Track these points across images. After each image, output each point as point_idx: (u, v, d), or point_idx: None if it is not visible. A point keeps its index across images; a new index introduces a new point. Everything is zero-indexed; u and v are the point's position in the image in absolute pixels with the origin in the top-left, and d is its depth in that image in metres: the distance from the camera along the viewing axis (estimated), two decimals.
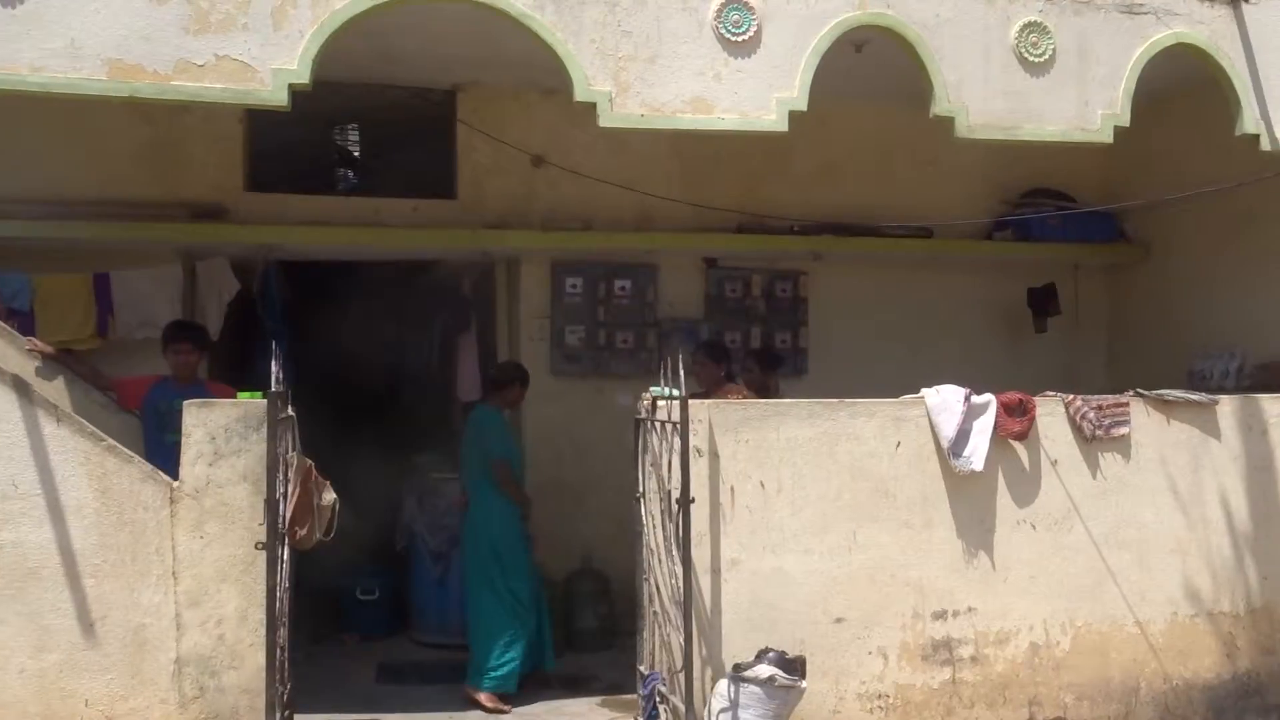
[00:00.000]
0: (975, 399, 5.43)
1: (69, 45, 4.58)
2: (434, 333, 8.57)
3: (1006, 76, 5.70)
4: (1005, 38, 5.69)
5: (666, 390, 5.11)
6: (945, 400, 5.40)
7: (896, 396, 5.51)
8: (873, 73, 6.11)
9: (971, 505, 5.41)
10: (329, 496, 4.83)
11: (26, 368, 5.02)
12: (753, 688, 4.73)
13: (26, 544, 4.54)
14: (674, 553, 5.00)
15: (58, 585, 4.56)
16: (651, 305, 7.65)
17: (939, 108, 5.61)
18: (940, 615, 5.34)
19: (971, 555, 5.39)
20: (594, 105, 5.18)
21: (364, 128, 7.63)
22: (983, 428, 5.40)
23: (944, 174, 7.88)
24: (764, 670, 4.75)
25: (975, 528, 5.41)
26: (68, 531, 4.58)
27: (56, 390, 5.16)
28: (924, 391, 5.48)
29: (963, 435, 5.37)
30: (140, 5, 4.64)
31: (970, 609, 5.38)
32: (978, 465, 5.35)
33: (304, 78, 4.82)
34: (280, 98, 4.82)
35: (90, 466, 4.60)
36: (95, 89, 4.65)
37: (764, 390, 6.47)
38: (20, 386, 4.60)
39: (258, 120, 6.88)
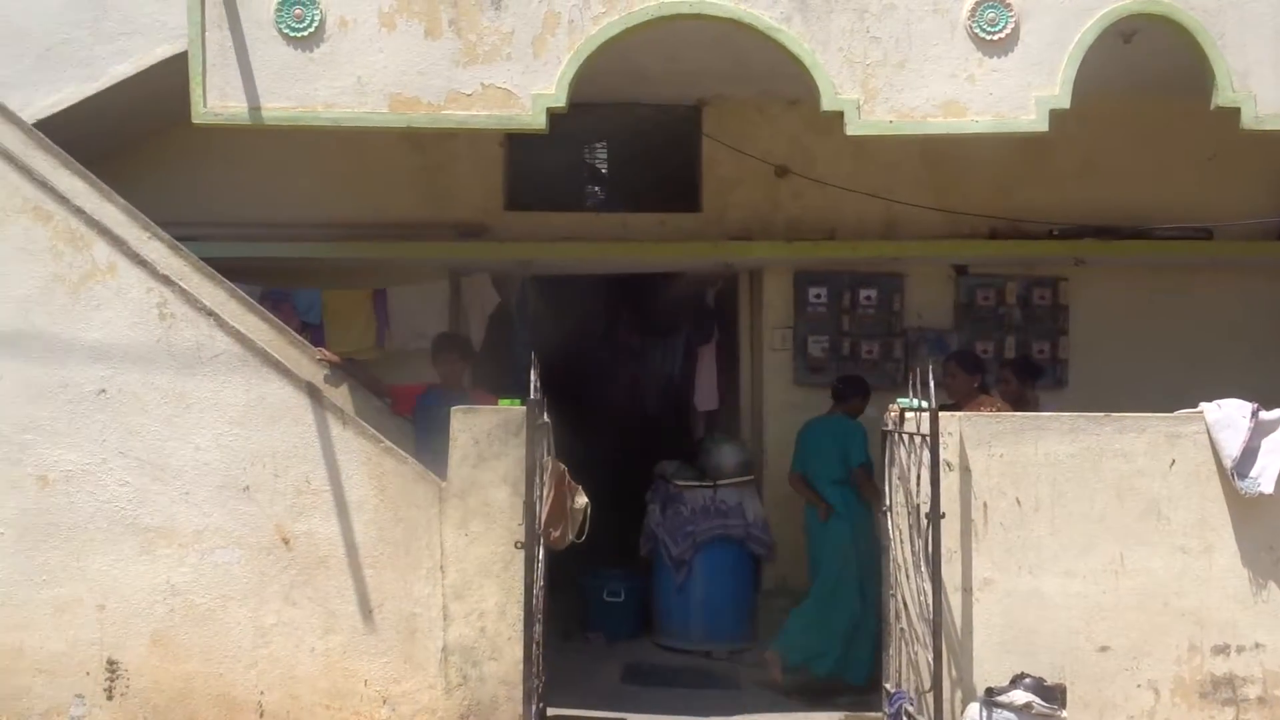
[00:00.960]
0: (1264, 415, 4.97)
1: (356, 83, 5.04)
2: (677, 343, 8.75)
3: None
4: None
5: (915, 402, 4.99)
6: (1228, 415, 4.98)
7: (1170, 411, 5.12)
8: (1142, 62, 5.72)
9: (1259, 531, 4.96)
10: (581, 500, 5.04)
11: (316, 375, 5.53)
12: (1007, 714, 4.54)
13: (317, 535, 5.01)
14: (922, 569, 4.87)
15: (342, 574, 5.02)
16: (898, 314, 7.48)
17: (1222, 98, 5.18)
18: (1221, 650, 4.92)
19: (1259, 586, 4.94)
20: (841, 114, 5.14)
21: (612, 145, 7.90)
22: (1273, 446, 4.95)
23: (1225, 169, 7.25)
24: (1020, 696, 4.54)
25: (1263, 556, 4.95)
26: (351, 525, 5.02)
27: (341, 396, 5.66)
28: (1203, 406, 5.07)
29: (1249, 454, 4.94)
30: (417, 43, 5.04)
31: (1257, 645, 4.93)
32: (1267, 487, 4.90)
33: (561, 101, 5.07)
34: (539, 121, 5.09)
35: (370, 466, 5.02)
36: (378, 121, 5.09)
37: (1021, 402, 6.18)
38: (313, 392, 5.09)
39: (516, 143, 7.28)
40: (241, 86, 5.06)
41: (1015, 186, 7.31)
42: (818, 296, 7.44)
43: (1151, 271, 7.39)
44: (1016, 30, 5.13)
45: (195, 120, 5.09)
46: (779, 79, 5.72)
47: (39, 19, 6.11)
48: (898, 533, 5.18)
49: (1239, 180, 7.28)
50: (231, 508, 5.01)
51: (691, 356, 8.22)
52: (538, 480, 4.77)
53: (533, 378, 4.78)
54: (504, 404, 5.11)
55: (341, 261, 7.09)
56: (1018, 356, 7.29)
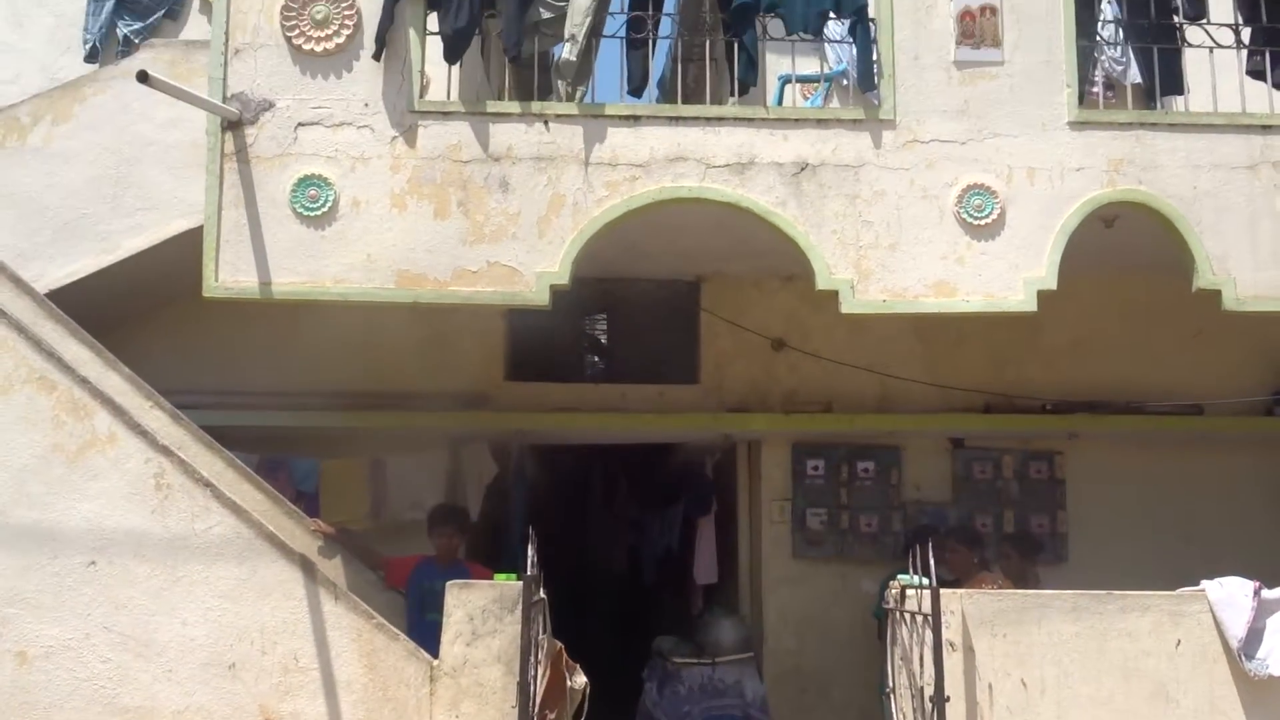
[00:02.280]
0: (1266, 593, 4.91)
1: (366, 259, 5.20)
2: (675, 514, 8.69)
3: (1277, 245, 5.39)
4: (1273, 206, 5.42)
5: (916, 579, 4.93)
6: (1230, 594, 4.91)
7: (1170, 587, 5.07)
8: (1125, 244, 5.93)
9: (1272, 715, 4.81)
10: (580, 680, 4.91)
11: (310, 547, 5.47)
12: None
13: (303, 715, 4.85)
14: None
15: None
16: (896, 487, 7.45)
17: (1203, 281, 5.36)
18: None
19: None
20: (836, 293, 5.28)
21: (612, 318, 8.06)
22: (1279, 626, 4.86)
23: (1212, 346, 7.38)
24: None
25: None
26: (339, 705, 4.86)
27: (334, 568, 5.58)
28: (1205, 584, 5.02)
29: (1254, 634, 4.85)
30: (426, 223, 5.23)
31: None
32: (1276, 669, 4.79)
33: (564, 279, 5.22)
34: (543, 298, 5.22)
35: (361, 643, 4.90)
36: (385, 296, 5.22)
37: (1023, 579, 6.11)
38: (306, 566, 5.02)
39: (518, 314, 7.39)
40: (253, 262, 5.21)
41: (1008, 362, 7.42)
42: (815, 469, 7.44)
43: (1145, 446, 7.41)
44: (1003, 216, 5.34)
45: (206, 294, 5.22)
46: (775, 256, 5.89)
47: (61, 194, 6.32)
48: (901, 715, 5.02)
49: (1227, 357, 7.41)
50: (215, 686, 4.86)
51: (690, 528, 8.15)
52: (533, 659, 4.65)
53: (529, 552, 4.73)
54: (500, 579, 5.03)
55: (339, 430, 7.10)
56: (1017, 531, 7.24)
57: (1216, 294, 5.36)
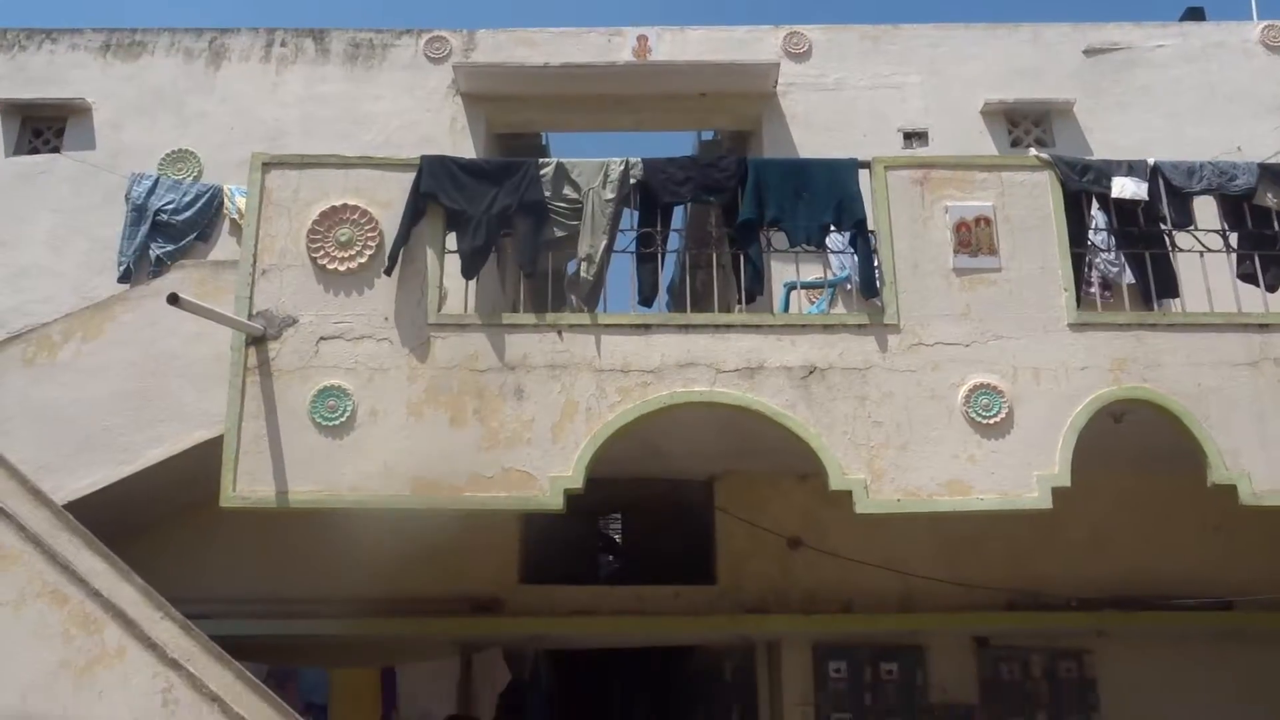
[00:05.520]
0: None
1: (382, 468, 5.25)
2: None
3: None
4: (1279, 401, 5.45)
5: None
6: None
7: None
8: (1138, 439, 5.94)
9: None
10: None
11: None
12: None
13: None
14: None
15: None
16: (922, 689, 7.22)
17: (1217, 476, 5.35)
18: None
19: None
20: (850, 493, 5.29)
21: (626, 518, 8.04)
22: None
23: (1237, 538, 7.27)
24: None
25: None
26: None
27: None
28: None
29: None
30: (442, 430, 5.31)
31: None
32: None
33: (578, 483, 5.25)
34: (557, 502, 5.24)
35: None
36: (401, 503, 5.25)
37: None
38: None
39: (531, 517, 7.40)
40: (271, 472, 5.28)
41: (1028, 558, 7.30)
42: (838, 670, 7.23)
43: (1176, 643, 7.21)
44: (1011, 414, 5.39)
45: (223, 504, 5.25)
46: (788, 455, 5.91)
47: (85, 408, 6.42)
48: None
49: (1253, 548, 7.27)
50: None
51: None
52: None
53: None
54: None
55: (351, 638, 6.98)
56: None
57: (1232, 490, 5.33)
